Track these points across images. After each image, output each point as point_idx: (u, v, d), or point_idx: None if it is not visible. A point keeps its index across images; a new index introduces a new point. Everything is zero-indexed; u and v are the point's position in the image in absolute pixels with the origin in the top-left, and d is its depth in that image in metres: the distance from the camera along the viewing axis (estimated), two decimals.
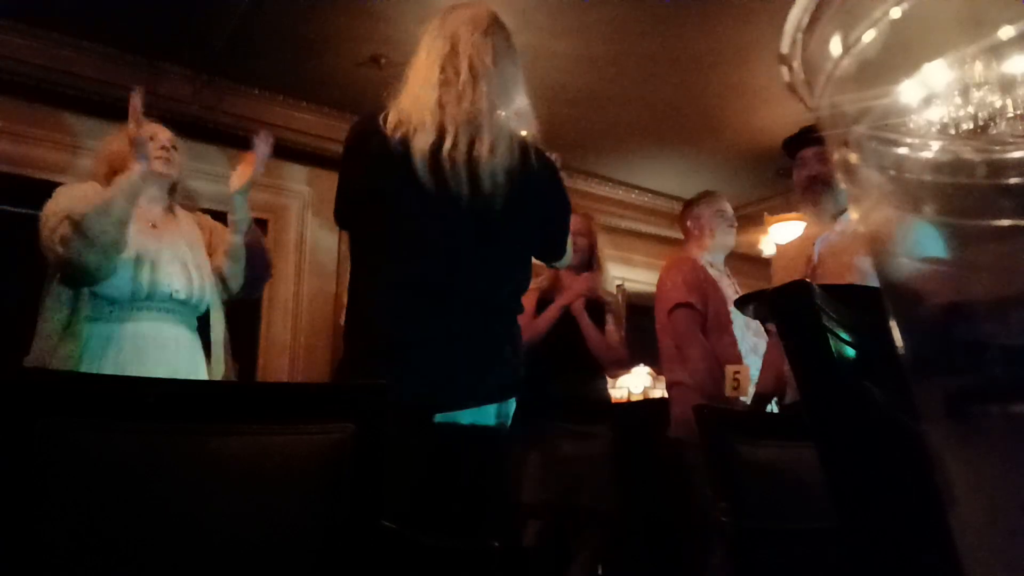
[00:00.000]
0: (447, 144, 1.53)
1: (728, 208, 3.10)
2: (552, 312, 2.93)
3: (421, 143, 1.53)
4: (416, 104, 1.56)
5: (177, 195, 2.27)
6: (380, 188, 1.58)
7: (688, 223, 3.10)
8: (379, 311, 1.57)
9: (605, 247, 3.28)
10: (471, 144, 1.54)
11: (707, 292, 2.86)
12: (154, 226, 2.08)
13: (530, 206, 1.65)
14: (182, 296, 2.04)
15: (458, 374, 1.55)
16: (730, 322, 2.85)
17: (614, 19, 3.84)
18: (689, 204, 3.18)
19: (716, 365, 2.73)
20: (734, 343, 2.82)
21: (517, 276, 1.70)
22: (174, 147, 2.20)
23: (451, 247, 1.56)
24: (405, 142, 1.53)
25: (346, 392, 1.17)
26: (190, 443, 1.01)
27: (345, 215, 1.73)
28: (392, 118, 1.57)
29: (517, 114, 1.66)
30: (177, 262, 2.06)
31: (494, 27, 1.67)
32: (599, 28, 3.91)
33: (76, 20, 3.79)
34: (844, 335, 0.73)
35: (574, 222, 2.40)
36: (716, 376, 2.69)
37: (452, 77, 1.57)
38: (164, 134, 2.19)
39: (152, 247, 2.01)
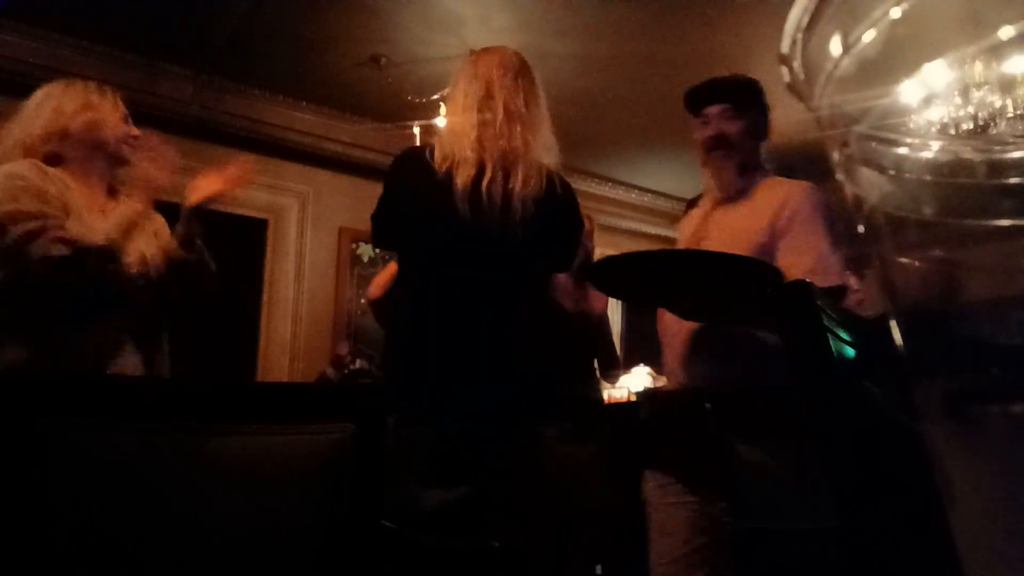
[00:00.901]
0: (487, 178, 1.73)
1: None
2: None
3: (464, 176, 1.73)
4: (459, 141, 1.77)
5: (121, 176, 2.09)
6: (424, 214, 1.78)
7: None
8: (412, 327, 1.77)
9: (602, 247, 3.30)
10: (507, 178, 1.75)
11: None
12: (102, 211, 1.95)
13: (552, 229, 1.85)
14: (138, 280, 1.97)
15: (482, 389, 1.71)
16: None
17: (614, 20, 3.84)
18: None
19: None
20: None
21: (536, 295, 1.90)
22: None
23: (478, 272, 1.77)
24: (450, 175, 1.74)
25: (346, 392, 1.17)
26: (190, 443, 1.01)
27: (388, 237, 1.93)
28: (438, 153, 1.77)
29: (545, 148, 1.86)
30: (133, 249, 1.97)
31: (523, 70, 1.91)
32: (599, 28, 3.92)
33: (76, 20, 3.79)
34: (844, 335, 0.73)
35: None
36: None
37: (489, 118, 1.78)
38: (132, 129, 2.04)
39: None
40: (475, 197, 1.72)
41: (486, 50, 1.95)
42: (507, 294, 1.80)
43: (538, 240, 1.80)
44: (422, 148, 1.84)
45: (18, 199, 1.77)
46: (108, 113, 1.99)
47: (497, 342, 1.74)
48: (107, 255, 1.83)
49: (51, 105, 1.95)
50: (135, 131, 2.04)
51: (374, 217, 1.88)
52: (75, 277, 1.78)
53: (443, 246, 1.76)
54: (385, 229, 1.89)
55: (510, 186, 1.74)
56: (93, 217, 1.89)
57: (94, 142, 1.95)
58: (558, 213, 1.85)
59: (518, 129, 1.79)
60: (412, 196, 1.79)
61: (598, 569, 2.58)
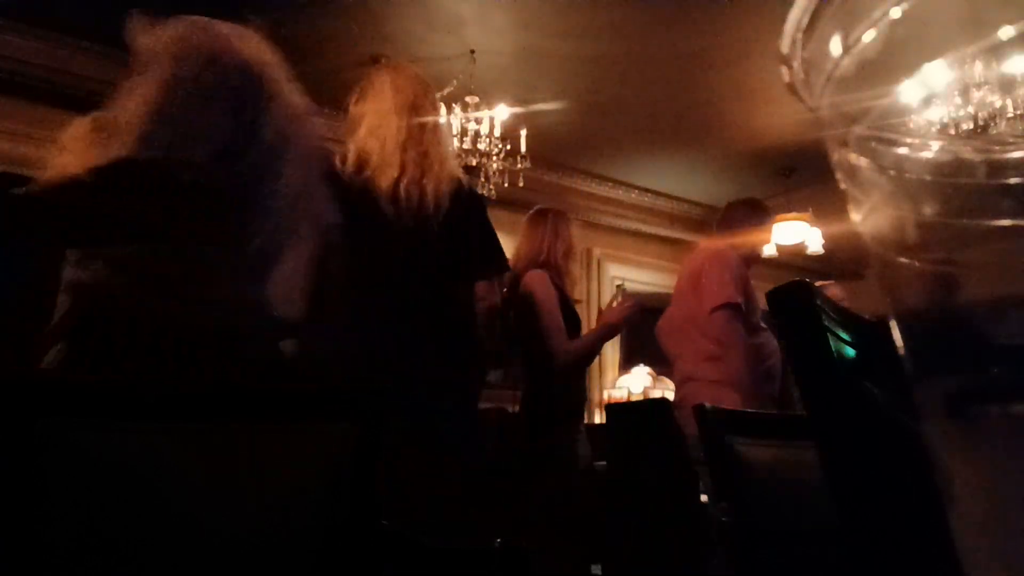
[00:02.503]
0: (405, 180, 1.84)
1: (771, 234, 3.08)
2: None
3: (386, 179, 1.83)
4: (381, 146, 1.87)
5: None
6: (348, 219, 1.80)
7: (742, 224, 2.97)
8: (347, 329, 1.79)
9: (603, 247, 3.27)
10: (422, 179, 1.86)
11: (748, 292, 2.78)
12: None
13: (461, 231, 1.95)
14: None
15: (414, 382, 1.77)
16: (760, 322, 2.82)
17: (615, 20, 3.84)
18: (760, 211, 3.05)
19: (756, 367, 2.70)
20: (764, 344, 2.78)
21: (458, 293, 1.97)
22: None
23: (404, 270, 1.86)
24: (371, 179, 1.84)
25: (346, 392, 1.17)
26: (190, 443, 1.01)
27: None
28: (351, 158, 1.87)
29: (451, 156, 2.03)
30: None
31: (431, 90, 2.06)
32: (600, 29, 3.92)
33: (76, 20, 3.79)
34: (844, 335, 0.73)
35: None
36: (756, 378, 2.67)
37: (405, 126, 1.91)
38: None
39: None
40: (395, 198, 1.83)
41: (399, 65, 2.16)
42: (429, 288, 1.88)
43: (451, 240, 1.90)
44: (326, 154, 1.89)
45: None
46: None
47: (427, 340, 1.83)
48: None
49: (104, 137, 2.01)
50: None
51: None
52: None
53: (365, 250, 1.82)
54: None
55: (424, 186, 1.86)
56: None
57: None
58: (465, 217, 1.96)
59: (433, 139, 1.94)
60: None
61: (597, 569, 2.58)
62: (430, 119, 1.96)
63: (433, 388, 1.81)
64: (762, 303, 2.85)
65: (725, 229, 3.00)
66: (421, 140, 1.90)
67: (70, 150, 1.95)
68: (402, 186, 1.83)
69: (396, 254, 1.84)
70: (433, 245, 1.86)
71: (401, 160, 1.85)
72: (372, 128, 1.91)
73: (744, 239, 2.93)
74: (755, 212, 3.02)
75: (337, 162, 1.87)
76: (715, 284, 2.74)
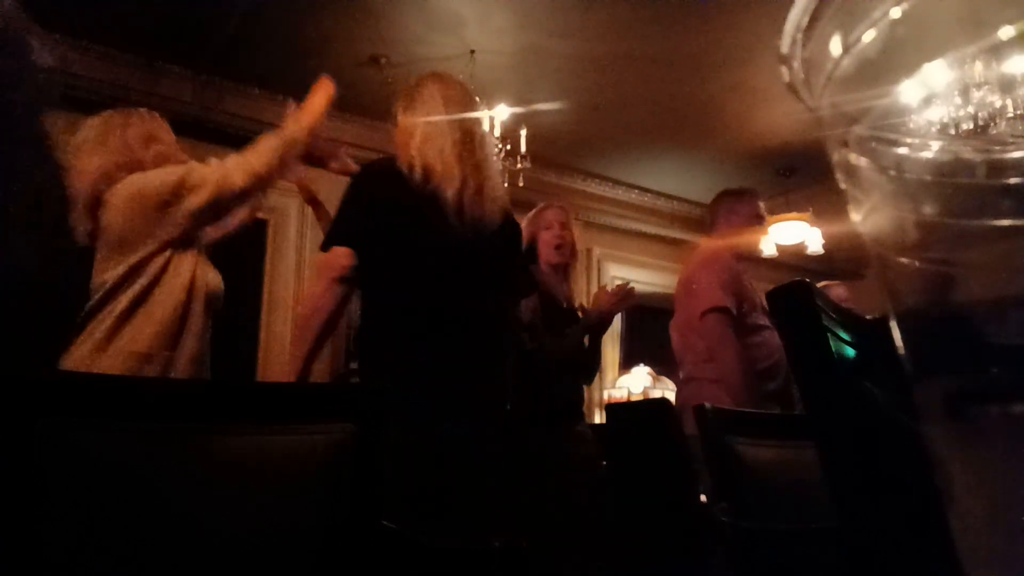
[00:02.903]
0: (468, 191, 1.85)
1: (765, 213, 3.00)
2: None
3: (451, 189, 1.83)
4: (440, 157, 1.86)
5: None
6: (405, 224, 1.85)
7: (722, 215, 2.98)
8: (396, 332, 1.83)
9: (603, 247, 3.25)
10: (481, 190, 1.87)
11: (741, 293, 2.78)
12: None
13: (512, 245, 2.04)
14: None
15: (462, 387, 1.80)
16: (759, 320, 2.81)
17: (615, 20, 3.84)
18: (731, 196, 3.04)
19: (749, 368, 2.70)
20: (764, 342, 2.78)
21: (509, 305, 2.04)
22: None
23: (468, 280, 1.87)
24: (437, 188, 1.83)
25: (346, 392, 1.17)
26: (190, 443, 1.01)
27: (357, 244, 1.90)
28: (417, 167, 1.85)
29: (498, 167, 2.08)
30: None
31: (475, 99, 2.06)
32: (600, 29, 3.92)
33: (76, 20, 3.79)
34: (844, 335, 0.73)
35: (556, 214, 2.79)
36: (748, 380, 2.67)
37: (461, 138, 1.91)
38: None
39: None
40: (459, 207, 1.84)
41: (445, 75, 2.13)
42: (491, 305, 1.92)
43: (502, 255, 1.97)
44: (392, 160, 1.93)
45: (166, 176, 1.93)
46: (170, 143, 2.10)
47: (485, 350, 1.86)
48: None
49: (114, 138, 2.03)
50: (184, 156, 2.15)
51: (344, 234, 1.86)
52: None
53: (434, 260, 1.84)
54: (356, 239, 1.85)
55: (484, 198, 1.88)
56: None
57: None
58: (513, 234, 2.03)
59: (484, 150, 1.95)
60: (401, 209, 1.85)
61: (591, 569, 2.58)
62: (479, 130, 1.98)
63: (488, 397, 1.86)
64: (763, 303, 2.85)
65: (714, 226, 3.02)
66: (474, 151, 1.91)
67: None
68: (465, 197, 1.85)
69: (461, 264, 1.85)
70: (491, 257, 1.90)
71: (461, 171, 1.86)
72: (427, 138, 1.90)
73: (736, 233, 2.93)
74: (739, 200, 3.01)
75: (404, 169, 1.86)
76: (704, 288, 2.77)
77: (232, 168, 1.94)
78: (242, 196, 1.92)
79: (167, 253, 1.90)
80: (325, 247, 1.87)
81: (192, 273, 1.93)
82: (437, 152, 1.87)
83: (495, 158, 2.07)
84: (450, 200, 1.82)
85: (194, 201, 1.90)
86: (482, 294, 1.88)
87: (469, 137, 1.92)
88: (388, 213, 1.85)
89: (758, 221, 2.97)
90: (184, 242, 1.94)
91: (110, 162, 1.96)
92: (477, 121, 2.00)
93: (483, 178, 1.89)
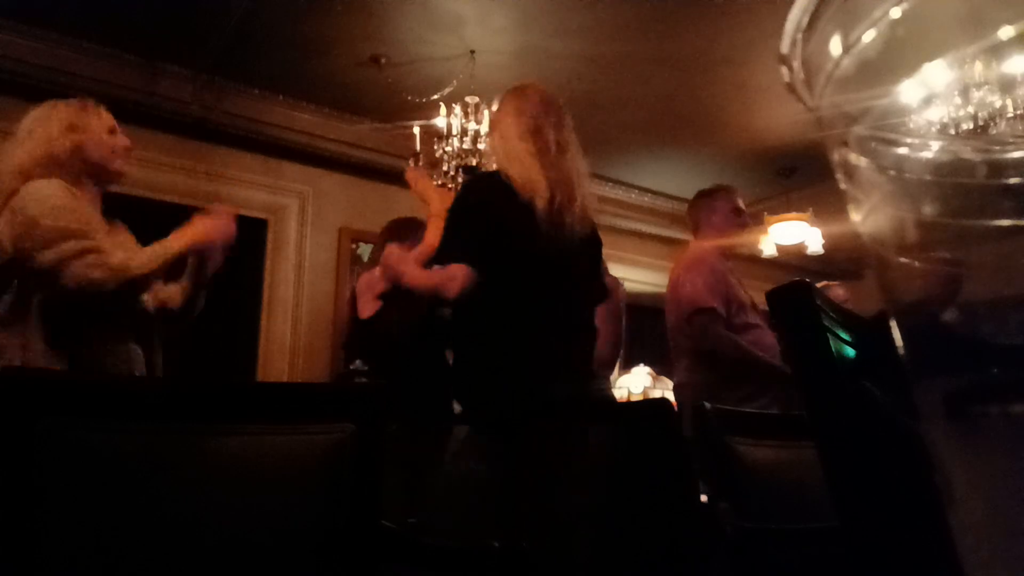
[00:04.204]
0: (556, 203, 1.91)
1: (743, 205, 3.04)
2: None
3: (541, 202, 1.89)
4: (523, 171, 1.92)
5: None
6: (513, 236, 1.92)
7: (702, 216, 3.01)
8: (487, 332, 1.92)
9: (605, 247, 3.25)
10: (571, 203, 1.93)
11: (728, 293, 2.79)
12: (107, 232, 1.98)
13: (595, 256, 2.11)
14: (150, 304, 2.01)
15: (556, 384, 1.89)
16: (749, 319, 2.82)
17: (614, 19, 3.84)
18: (705, 196, 3.07)
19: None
20: (756, 341, 2.79)
21: (592, 315, 2.12)
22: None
23: (557, 284, 1.95)
24: (532, 200, 1.90)
25: (346, 392, 1.17)
26: (190, 443, 1.01)
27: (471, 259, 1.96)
28: (517, 180, 1.92)
29: (586, 175, 2.07)
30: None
31: (563, 109, 2.08)
32: (599, 28, 3.92)
33: (76, 20, 3.79)
34: (844, 335, 0.73)
35: None
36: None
37: (543, 148, 1.96)
38: (121, 140, 2.04)
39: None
40: (550, 219, 1.91)
41: (525, 87, 2.12)
42: (579, 308, 2.02)
43: (588, 261, 2.05)
44: (495, 173, 2.00)
45: (58, 217, 1.81)
46: (93, 131, 1.97)
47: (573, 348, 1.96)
48: (142, 285, 1.89)
49: (39, 129, 1.96)
50: (124, 141, 2.03)
51: (458, 243, 1.93)
52: (107, 300, 1.82)
53: (532, 267, 1.92)
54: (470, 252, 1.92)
55: (574, 209, 1.95)
56: (101, 238, 1.92)
57: (82, 163, 1.95)
58: (596, 240, 2.11)
59: (570, 161, 2.00)
60: (505, 220, 1.92)
61: (583, 569, 2.57)
62: (559, 138, 1.99)
63: (567, 395, 1.93)
64: (762, 303, 2.85)
65: (697, 229, 3.05)
66: (556, 163, 1.95)
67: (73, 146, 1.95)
68: (554, 210, 1.90)
69: (550, 272, 1.92)
70: (575, 266, 1.98)
71: (547, 184, 1.91)
72: (507, 155, 1.98)
73: (718, 232, 2.96)
74: (714, 198, 3.04)
75: (508, 182, 1.94)
76: (689, 291, 2.80)
77: (113, 255, 1.83)
78: (103, 282, 1.79)
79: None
80: (441, 261, 1.95)
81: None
82: (519, 167, 1.93)
83: (583, 165, 2.05)
84: (541, 212, 1.89)
85: (51, 257, 1.78)
86: (567, 300, 1.96)
87: (546, 148, 1.95)
88: (491, 224, 1.93)
89: (736, 215, 2.99)
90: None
91: (28, 157, 1.90)
92: (558, 129, 2.00)
93: (572, 190, 1.95)
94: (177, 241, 1.95)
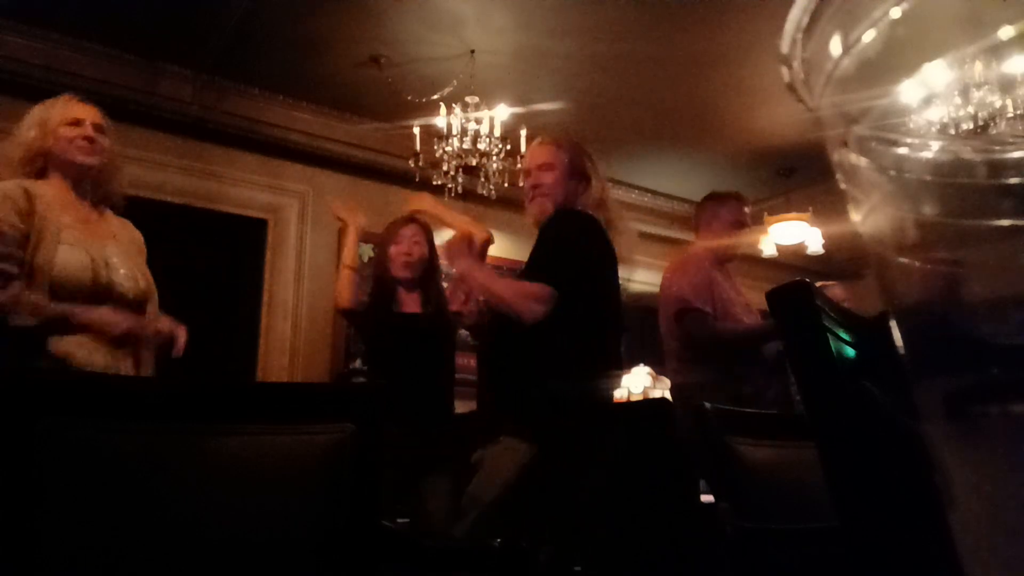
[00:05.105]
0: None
1: (748, 218, 3.04)
2: None
3: (622, 245, 2.29)
4: (612, 212, 2.32)
5: (112, 189, 2.08)
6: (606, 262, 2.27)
7: (704, 219, 3.04)
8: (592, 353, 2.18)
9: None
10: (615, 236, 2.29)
11: (714, 293, 2.81)
12: (87, 223, 1.96)
13: None
14: (130, 297, 1.97)
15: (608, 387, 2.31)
16: (738, 321, 2.83)
17: (614, 19, 3.84)
18: (714, 200, 3.10)
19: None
20: None
21: None
22: (101, 131, 2.01)
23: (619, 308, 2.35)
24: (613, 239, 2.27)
25: (346, 392, 1.17)
26: (190, 443, 1.01)
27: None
28: (605, 221, 2.26)
29: (623, 214, 2.49)
30: (125, 265, 1.97)
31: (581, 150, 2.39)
32: (599, 28, 3.92)
33: (76, 20, 3.79)
34: (844, 335, 0.73)
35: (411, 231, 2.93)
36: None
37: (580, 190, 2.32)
38: (90, 116, 2.00)
39: (99, 247, 1.93)
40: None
41: (559, 136, 2.46)
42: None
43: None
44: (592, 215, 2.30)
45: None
46: (51, 124, 1.95)
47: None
48: (64, 327, 1.83)
49: (16, 130, 1.98)
50: (85, 131, 1.98)
51: (570, 271, 2.15)
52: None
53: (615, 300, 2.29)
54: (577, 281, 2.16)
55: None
56: (78, 231, 1.91)
57: (44, 159, 1.95)
58: None
59: (604, 202, 2.33)
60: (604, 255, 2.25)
61: (575, 568, 2.57)
62: (595, 184, 2.30)
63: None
64: (762, 303, 2.85)
65: (697, 229, 3.10)
66: (599, 202, 2.28)
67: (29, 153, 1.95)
68: (624, 249, 2.29)
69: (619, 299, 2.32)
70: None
71: (624, 226, 2.34)
72: (563, 196, 2.28)
73: (715, 237, 2.97)
74: (722, 205, 3.07)
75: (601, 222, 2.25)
76: (674, 292, 2.86)
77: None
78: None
79: None
80: (553, 286, 2.13)
81: None
82: (614, 212, 2.32)
83: (612, 202, 2.42)
84: (621, 251, 2.25)
85: None
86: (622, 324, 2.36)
87: (586, 187, 2.30)
88: (591, 259, 2.21)
89: (739, 227, 3.00)
90: None
91: (2, 158, 1.94)
92: (587, 172, 2.33)
93: (617, 229, 2.32)
94: (79, 316, 1.85)
